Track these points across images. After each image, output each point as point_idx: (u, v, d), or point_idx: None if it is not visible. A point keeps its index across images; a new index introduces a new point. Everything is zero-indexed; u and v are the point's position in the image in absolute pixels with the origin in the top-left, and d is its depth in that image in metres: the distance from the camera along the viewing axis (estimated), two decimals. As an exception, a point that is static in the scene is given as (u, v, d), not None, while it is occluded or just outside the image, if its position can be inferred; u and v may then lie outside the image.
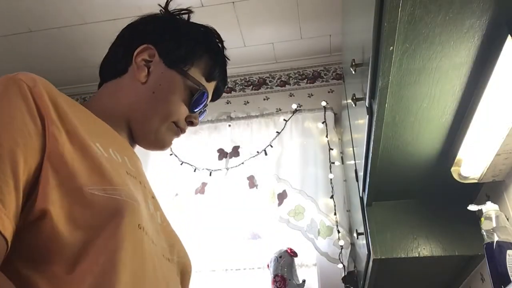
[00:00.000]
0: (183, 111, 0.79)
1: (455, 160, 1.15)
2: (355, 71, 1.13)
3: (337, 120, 2.32)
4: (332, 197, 2.04)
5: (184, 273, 0.73)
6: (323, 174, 2.12)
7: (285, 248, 1.96)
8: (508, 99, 0.90)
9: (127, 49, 0.80)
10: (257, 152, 2.24)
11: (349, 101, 1.28)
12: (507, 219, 1.11)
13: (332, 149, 2.17)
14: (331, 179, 2.09)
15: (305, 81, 2.53)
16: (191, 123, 0.82)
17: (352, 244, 1.94)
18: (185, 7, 0.85)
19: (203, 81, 0.81)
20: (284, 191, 2.11)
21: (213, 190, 2.19)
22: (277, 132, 2.28)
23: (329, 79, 2.51)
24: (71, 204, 0.52)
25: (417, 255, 1.31)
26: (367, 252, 1.36)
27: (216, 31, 0.87)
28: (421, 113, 1.04)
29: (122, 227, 0.54)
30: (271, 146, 2.24)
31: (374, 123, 0.99)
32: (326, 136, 2.22)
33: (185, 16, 0.85)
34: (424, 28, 0.80)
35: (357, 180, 1.51)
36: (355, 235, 1.64)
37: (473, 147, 1.08)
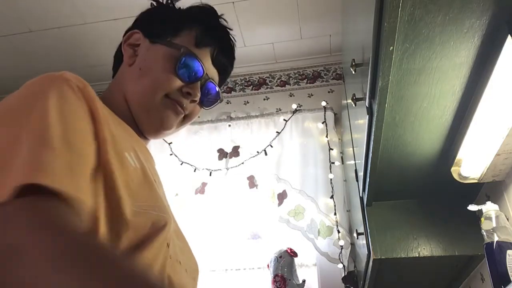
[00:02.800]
0: (172, 80, 0.74)
1: (455, 160, 1.15)
2: (355, 71, 1.13)
3: (337, 120, 2.32)
4: (332, 197, 2.04)
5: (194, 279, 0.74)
6: (323, 174, 2.11)
7: (285, 248, 1.96)
8: (508, 99, 0.90)
9: (121, 43, 0.83)
10: (257, 152, 2.24)
11: (349, 101, 1.28)
12: (507, 219, 1.11)
13: (332, 149, 2.17)
14: (331, 179, 2.09)
15: (305, 81, 2.53)
16: (188, 95, 0.76)
17: (352, 244, 1.94)
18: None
19: (191, 47, 0.77)
20: (284, 191, 2.11)
21: (213, 190, 2.19)
22: (277, 132, 2.28)
23: (329, 79, 2.51)
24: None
25: (417, 255, 1.31)
26: (367, 252, 1.36)
27: (205, 4, 0.84)
28: (421, 113, 1.04)
29: (154, 243, 0.56)
30: (271, 146, 2.24)
31: (374, 123, 0.99)
32: (326, 136, 2.22)
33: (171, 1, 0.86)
34: (424, 28, 0.80)
35: (357, 180, 1.51)
36: (355, 235, 1.64)
37: (473, 147, 1.08)
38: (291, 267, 1.91)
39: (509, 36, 0.79)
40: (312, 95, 2.47)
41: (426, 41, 0.83)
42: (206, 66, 0.78)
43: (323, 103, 2.31)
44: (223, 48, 0.83)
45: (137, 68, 0.76)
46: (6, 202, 0.41)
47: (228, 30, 0.85)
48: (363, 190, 1.38)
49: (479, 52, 0.86)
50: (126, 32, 0.85)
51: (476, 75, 0.92)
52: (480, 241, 1.11)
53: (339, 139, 2.24)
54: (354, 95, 1.20)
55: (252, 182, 2.19)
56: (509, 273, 1.00)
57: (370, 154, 1.10)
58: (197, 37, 0.78)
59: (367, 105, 1.03)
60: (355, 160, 1.55)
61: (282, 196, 2.10)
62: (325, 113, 2.29)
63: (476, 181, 1.17)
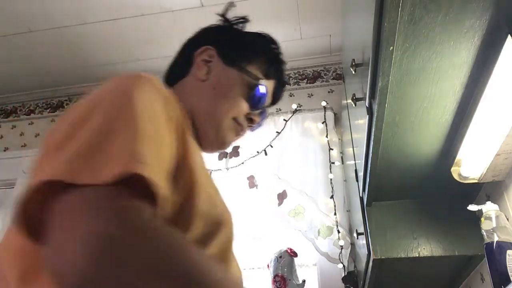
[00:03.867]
0: (243, 106, 0.80)
1: (455, 160, 1.15)
2: (355, 71, 1.13)
3: (337, 120, 2.32)
4: (332, 197, 2.04)
5: None
6: (323, 174, 2.11)
7: (285, 248, 1.96)
8: (508, 99, 0.90)
9: (188, 54, 0.85)
10: (257, 152, 2.24)
11: (349, 101, 1.28)
12: (507, 219, 1.11)
13: (332, 149, 2.17)
14: (331, 179, 2.09)
15: (305, 81, 2.53)
16: (251, 121, 0.83)
17: (352, 244, 1.94)
18: (242, 16, 0.91)
19: (260, 77, 0.83)
20: (284, 191, 2.11)
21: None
22: (277, 132, 2.28)
23: (329, 79, 2.51)
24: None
25: (417, 255, 1.31)
26: (367, 252, 1.36)
27: (272, 38, 0.90)
28: (421, 113, 1.04)
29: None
30: (271, 146, 2.24)
31: (374, 123, 0.99)
32: (326, 136, 2.21)
33: (241, 25, 0.90)
34: (424, 28, 0.80)
35: (357, 180, 1.51)
36: (355, 235, 1.64)
37: (473, 147, 1.08)
38: (291, 267, 1.91)
39: (509, 36, 0.79)
40: (312, 95, 2.47)
41: (426, 41, 0.83)
42: (268, 97, 0.86)
43: (323, 103, 2.31)
44: (282, 83, 0.91)
45: (210, 87, 0.79)
46: (101, 186, 0.43)
47: (284, 62, 0.92)
48: (363, 190, 1.38)
49: (479, 52, 0.86)
50: (192, 42, 0.88)
51: (476, 75, 0.91)
52: (480, 241, 1.11)
53: (339, 139, 2.24)
54: (354, 95, 1.20)
55: (252, 182, 2.19)
56: (509, 273, 1.00)
57: (370, 154, 1.10)
58: (267, 69, 0.85)
59: (367, 105, 1.03)
60: (355, 160, 1.55)
61: (282, 196, 2.10)
62: (325, 113, 2.29)
63: (476, 181, 1.17)
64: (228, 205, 0.70)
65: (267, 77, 0.84)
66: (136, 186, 0.44)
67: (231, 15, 0.90)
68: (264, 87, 0.82)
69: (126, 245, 0.39)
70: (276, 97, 0.90)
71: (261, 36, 0.89)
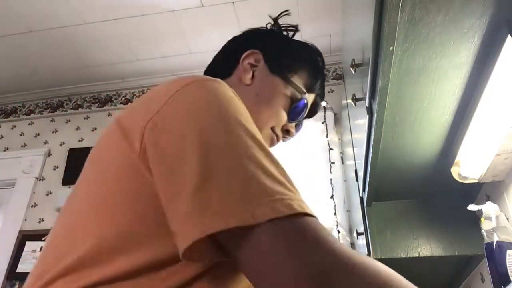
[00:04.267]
0: (283, 117, 0.78)
1: (455, 160, 1.15)
2: (355, 71, 1.13)
3: (337, 120, 2.32)
4: (332, 197, 2.04)
5: None
6: (323, 174, 2.11)
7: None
8: (508, 99, 0.90)
9: (233, 54, 0.82)
10: (257, 152, 2.24)
11: (349, 101, 1.29)
12: (507, 219, 1.11)
13: (332, 149, 2.17)
14: (331, 179, 2.09)
15: (305, 81, 2.53)
16: (288, 132, 0.82)
17: (352, 244, 1.94)
18: (292, 24, 0.90)
19: (304, 91, 0.82)
20: (284, 191, 2.11)
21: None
22: (277, 132, 2.28)
23: (329, 79, 2.51)
24: None
25: (417, 255, 1.31)
26: (367, 252, 1.36)
27: (318, 49, 0.89)
28: (421, 113, 1.04)
29: None
30: (271, 146, 2.24)
31: (374, 123, 0.99)
32: (326, 136, 2.22)
33: (291, 33, 0.89)
34: (424, 28, 0.80)
35: (357, 180, 1.51)
36: (355, 235, 1.64)
37: (473, 147, 1.08)
38: (291, 267, 1.91)
39: (509, 36, 0.79)
40: (312, 95, 2.47)
41: (426, 41, 0.83)
42: (308, 108, 0.85)
43: (323, 103, 2.31)
44: (322, 96, 0.89)
45: (253, 92, 0.77)
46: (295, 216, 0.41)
47: (326, 78, 0.91)
48: (363, 190, 1.38)
49: (479, 52, 0.86)
50: (238, 43, 0.85)
51: (476, 75, 0.92)
52: (480, 241, 1.11)
53: (339, 139, 2.24)
54: (354, 95, 1.20)
55: (252, 182, 2.19)
56: (509, 273, 1.00)
57: (370, 154, 1.10)
58: (311, 83, 0.83)
59: (367, 105, 1.03)
60: (355, 160, 1.55)
61: (282, 196, 2.10)
62: (325, 113, 2.29)
63: (476, 181, 1.17)
64: None
65: (309, 90, 0.83)
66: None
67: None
68: (306, 101, 0.81)
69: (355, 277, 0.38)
70: (314, 111, 0.89)
71: (308, 46, 0.88)
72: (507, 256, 1.01)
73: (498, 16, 0.78)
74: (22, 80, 2.81)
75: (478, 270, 1.36)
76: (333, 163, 2.14)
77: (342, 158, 2.17)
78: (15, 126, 2.88)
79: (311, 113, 0.89)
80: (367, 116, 1.02)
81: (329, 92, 2.46)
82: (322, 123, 2.27)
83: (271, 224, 0.40)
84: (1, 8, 2.23)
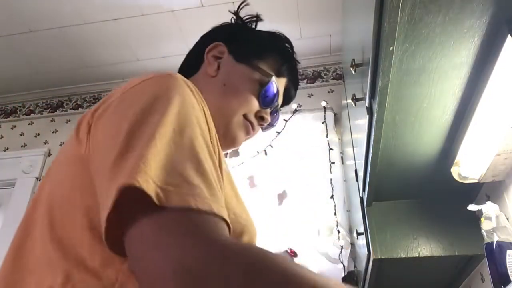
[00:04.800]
0: (253, 103, 0.78)
1: (455, 160, 1.15)
2: (355, 71, 1.13)
3: (337, 120, 2.32)
4: (332, 197, 2.04)
5: None
6: (323, 174, 2.11)
7: (285, 248, 1.96)
8: (508, 99, 0.90)
9: (199, 50, 0.83)
10: (257, 152, 2.24)
11: (349, 101, 1.28)
12: (507, 219, 1.11)
13: (332, 149, 2.17)
14: (331, 179, 2.09)
15: (305, 81, 2.53)
16: (262, 119, 0.81)
17: (352, 244, 1.94)
18: (254, 14, 0.90)
19: (272, 74, 0.81)
20: (284, 191, 2.12)
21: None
22: (277, 132, 2.28)
23: (329, 79, 2.51)
24: None
25: (417, 255, 1.31)
26: (367, 252, 1.36)
27: (286, 37, 0.89)
28: (421, 113, 1.04)
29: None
30: (271, 146, 2.24)
31: (374, 123, 0.99)
32: (326, 136, 2.21)
33: (254, 23, 0.90)
34: (424, 28, 0.80)
35: (357, 180, 1.51)
36: (355, 235, 1.64)
37: (473, 147, 1.08)
38: (291, 267, 1.91)
39: (509, 36, 0.79)
40: (312, 95, 2.47)
41: (426, 41, 0.83)
42: (280, 96, 0.84)
43: (323, 103, 2.31)
44: (294, 82, 0.89)
45: (220, 83, 0.78)
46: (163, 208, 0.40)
47: (297, 61, 0.90)
48: (363, 190, 1.38)
49: (479, 52, 0.86)
50: (204, 39, 0.86)
51: (476, 75, 0.92)
52: (480, 241, 1.11)
53: (339, 139, 2.24)
54: (354, 95, 1.20)
55: (252, 182, 2.19)
56: (509, 273, 1.00)
57: (370, 154, 1.10)
58: (279, 67, 0.83)
59: (367, 105, 1.03)
60: (355, 160, 1.55)
61: (282, 196, 2.10)
62: (325, 113, 2.29)
63: (476, 181, 1.17)
64: (250, 213, 0.68)
65: (279, 75, 0.83)
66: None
67: (244, 13, 0.89)
68: (275, 84, 0.80)
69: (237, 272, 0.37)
70: (288, 97, 0.88)
71: (273, 34, 0.88)
72: (507, 256, 1.01)
73: (498, 16, 0.78)
74: (22, 80, 2.81)
75: (478, 270, 1.36)
76: (333, 163, 2.14)
77: (342, 158, 2.17)
78: (15, 126, 2.88)
79: (286, 100, 0.89)
80: (367, 116, 1.02)
81: (329, 92, 2.46)
82: (322, 123, 2.27)
83: (168, 210, 0.39)
84: (1, 8, 2.23)
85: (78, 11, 2.25)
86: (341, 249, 1.91)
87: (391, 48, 0.79)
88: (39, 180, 2.59)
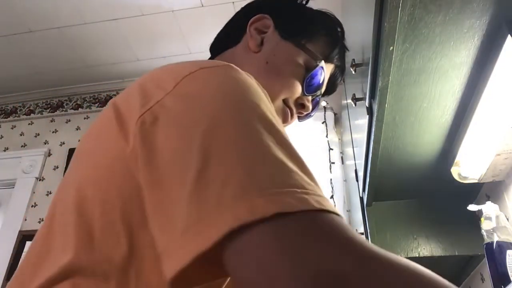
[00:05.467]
0: (297, 87, 0.69)
1: (455, 160, 1.15)
2: (355, 71, 1.13)
3: (337, 120, 2.32)
4: (332, 197, 2.04)
5: None
6: (323, 174, 2.12)
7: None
8: (508, 99, 0.90)
9: (241, 21, 0.74)
10: (257, 152, 2.24)
11: (349, 101, 1.28)
12: (507, 219, 1.11)
13: (332, 149, 2.17)
14: (331, 179, 2.09)
15: (305, 81, 2.53)
16: (302, 107, 0.72)
17: (352, 244, 1.94)
18: None
19: (321, 58, 0.72)
20: (284, 191, 2.11)
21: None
22: (277, 132, 2.28)
23: (329, 79, 2.51)
24: None
25: (417, 255, 1.31)
26: (367, 252, 1.35)
27: (337, 19, 0.79)
28: (421, 113, 1.04)
29: None
30: (271, 146, 2.24)
31: (374, 123, 0.99)
32: (326, 136, 2.22)
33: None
34: (424, 28, 0.80)
35: (357, 180, 1.51)
36: (355, 235, 1.63)
37: (473, 147, 1.08)
38: (291, 267, 1.91)
39: (509, 36, 0.79)
40: (312, 95, 2.47)
41: (426, 41, 0.83)
42: (325, 83, 0.75)
43: (323, 103, 2.31)
44: (342, 69, 0.80)
45: (263, 60, 0.69)
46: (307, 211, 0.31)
47: (346, 48, 0.82)
48: (363, 190, 1.38)
49: (479, 52, 0.86)
50: (247, 10, 0.77)
51: (476, 75, 0.92)
52: (480, 241, 1.11)
53: (339, 139, 2.24)
54: (354, 95, 1.20)
55: (252, 182, 2.19)
56: (509, 273, 1.00)
57: (370, 154, 1.10)
58: (329, 51, 0.74)
59: (367, 105, 1.03)
60: (355, 160, 1.55)
61: (282, 196, 2.10)
62: (325, 113, 2.29)
63: (476, 181, 1.17)
64: None
65: (327, 60, 0.73)
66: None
67: None
68: (323, 70, 0.71)
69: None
70: (333, 86, 0.79)
71: (326, 14, 0.78)
72: (507, 256, 1.01)
73: (498, 16, 0.78)
74: (22, 80, 2.81)
75: (478, 270, 1.36)
76: (333, 163, 2.14)
77: (342, 158, 2.17)
78: (15, 126, 2.88)
79: (330, 89, 0.79)
80: (367, 116, 1.02)
81: (329, 92, 2.46)
82: (322, 123, 2.27)
83: (274, 222, 0.30)
84: (1, 8, 2.23)
85: (78, 11, 2.25)
86: (341, 249, 1.91)
87: (391, 48, 0.79)
88: (39, 180, 2.59)
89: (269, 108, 0.42)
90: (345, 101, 1.84)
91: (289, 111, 0.70)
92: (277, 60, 0.69)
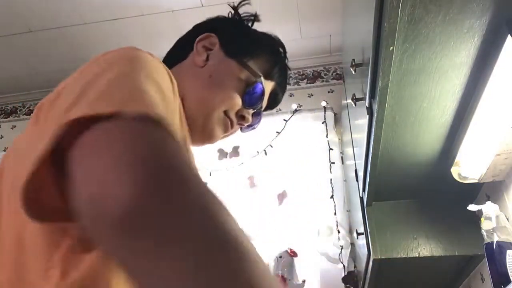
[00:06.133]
0: (236, 100, 0.75)
1: (455, 160, 1.15)
2: (355, 71, 1.13)
3: (337, 120, 2.32)
4: (332, 197, 2.04)
5: None
6: (323, 174, 2.12)
7: (285, 248, 1.96)
8: (508, 99, 0.90)
9: (190, 38, 0.81)
10: (257, 152, 2.24)
11: (349, 101, 1.28)
12: (507, 219, 1.11)
13: (332, 149, 2.17)
14: (331, 179, 2.09)
15: (305, 81, 2.53)
16: (242, 118, 0.79)
17: (352, 244, 1.94)
18: (252, 13, 0.87)
19: (260, 75, 0.79)
20: (284, 191, 2.12)
21: (213, 190, 2.19)
22: (277, 132, 2.28)
23: (329, 79, 2.51)
24: None
25: (417, 255, 1.31)
26: (367, 252, 1.36)
27: (280, 40, 0.87)
28: (421, 113, 1.04)
29: None
30: (271, 146, 2.24)
31: (374, 123, 0.99)
32: (326, 136, 2.22)
33: (251, 22, 0.87)
34: (424, 28, 0.80)
35: (357, 180, 1.51)
36: (355, 235, 1.64)
37: (473, 147, 1.08)
38: (291, 267, 1.91)
39: (509, 36, 0.79)
40: (312, 95, 2.47)
41: (426, 41, 0.83)
42: (265, 99, 0.82)
43: (323, 103, 2.31)
44: (282, 87, 0.87)
45: (206, 74, 0.75)
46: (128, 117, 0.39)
47: (288, 67, 0.88)
48: (363, 190, 1.38)
49: (479, 52, 0.86)
50: (197, 29, 0.84)
51: (476, 75, 0.92)
52: (480, 241, 1.11)
53: (339, 139, 2.24)
54: (354, 95, 1.20)
55: (252, 182, 2.19)
56: (509, 273, 1.00)
57: (370, 154, 1.10)
58: (269, 69, 0.81)
59: (367, 105, 1.03)
60: (355, 160, 1.55)
61: (282, 196, 2.10)
62: (325, 113, 2.29)
63: (476, 181, 1.17)
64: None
65: (267, 77, 0.81)
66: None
67: (243, 11, 0.87)
68: (262, 86, 0.78)
69: (176, 179, 0.35)
70: (274, 101, 0.86)
71: (268, 35, 0.86)
72: (507, 256, 1.01)
73: (498, 16, 0.78)
74: (22, 80, 2.81)
75: (478, 270, 1.36)
76: (333, 163, 2.14)
77: (342, 158, 2.17)
78: (15, 126, 2.88)
79: (271, 104, 0.86)
80: (367, 116, 1.02)
81: (329, 92, 2.46)
82: (322, 123, 2.27)
83: (112, 121, 0.37)
84: (1, 8, 2.23)
85: (78, 11, 2.24)
86: (341, 249, 1.91)
87: (391, 48, 0.79)
88: (39, 180, 2.59)
89: (158, 79, 0.49)
90: (345, 101, 1.84)
91: (229, 121, 0.77)
92: (220, 75, 0.75)
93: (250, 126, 0.85)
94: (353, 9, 1.28)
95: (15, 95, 2.96)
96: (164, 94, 0.47)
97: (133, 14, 2.25)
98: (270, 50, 0.83)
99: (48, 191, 0.40)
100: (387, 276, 1.49)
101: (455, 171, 1.18)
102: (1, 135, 2.86)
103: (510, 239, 1.04)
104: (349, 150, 1.81)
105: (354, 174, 1.59)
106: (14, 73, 2.74)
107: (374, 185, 1.27)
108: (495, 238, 1.04)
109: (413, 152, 1.19)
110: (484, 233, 1.08)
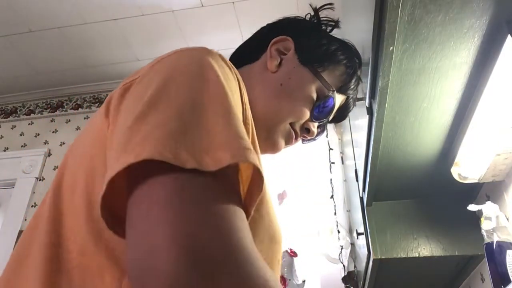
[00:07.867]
0: (305, 113, 0.71)
1: (455, 160, 1.15)
2: (355, 71, 1.13)
3: (337, 120, 2.32)
4: (332, 197, 2.04)
5: None
6: (323, 174, 2.12)
7: (285, 248, 1.96)
8: (508, 99, 0.90)
9: (264, 38, 0.76)
10: (257, 152, 2.24)
11: (349, 101, 1.28)
12: (507, 219, 1.11)
13: (332, 149, 2.17)
14: (331, 179, 2.09)
15: (305, 81, 2.53)
16: (307, 131, 0.74)
17: (352, 244, 1.94)
18: (333, 19, 0.82)
19: (334, 89, 0.74)
20: (284, 191, 2.11)
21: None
22: (277, 132, 2.28)
23: (329, 79, 2.51)
24: None
25: (417, 255, 1.31)
26: (367, 252, 1.36)
27: (357, 50, 0.80)
28: (421, 113, 1.04)
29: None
30: (271, 146, 2.25)
31: (374, 123, 0.99)
32: (326, 136, 2.21)
33: (330, 27, 0.82)
34: (424, 28, 0.80)
35: (357, 180, 1.51)
36: (355, 235, 1.64)
37: (473, 147, 1.08)
38: (291, 267, 1.91)
39: (509, 36, 0.79)
40: (312, 95, 2.47)
41: (426, 41, 0.83)
42: (334, 109, 0.77)
43: (323, 103, 2.31)
44: (354, 101, 0.81)
45: (278, 82, 0.71)
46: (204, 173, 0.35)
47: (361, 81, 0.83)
48: (363, 190, 1.38)
49: (479, 52, 0.86)
50: (271, 28, 0.79)
51: (476, 75, 0.92)
52: (480, 241, 1.11)
53: (339, 139, 2.24)
54: (354, 95, 1.20)
55: (252, 182, 2.19)
56: (509, 273, 1.00)
57: (370, 154, 1.10)
58: (343, 83, 0.75)
59: (367, 105, 1.03)
60: (355, 160, 1.55)
61: (282, 196, 2.10)
62: (325, 113, 2.29)
63: (476, 181, 1.17)
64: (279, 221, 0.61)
65: (341, 90, 0.75)
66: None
67: (323, 14, 0.81)
68: (334, 100, 0.73)
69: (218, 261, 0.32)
70: (341, 115, 0.80)
71: (346, 44, 0.80)
72: (507, 256, 1.01)
73: (498, 16, 0.78)
74: (22, 80, 2.81)
75: (478, 270, 1.36)
76: (333, 163, 2.14)
77: (342, 158, 2.17)
78: (15, 126, 2.88)
79: (339, 117, 0.81)
80: (367, 116, 1.02)
81: (329, 92, 2.46)
82: (322, 123, 2.27)
83: (182, 172, 0.34)
84: (1, 8, 2.23)
85: (78, 11, 2.24)
86: (341, 249, 1.91)
87: (391, 48, 0.79)
88: (39, 180, 2.59)
89: (230, 88, 0.45)
90: (345, 101, 1.84)
91: (293, 133, 0.72)
92: (291, 84, 0.70)
93: (313, 139, 0.79)
94: (353, 9, 1.28)
95: (15, 95, 2.96)
96: (240, 121, 0.43)
97: (133, 14, 2.25)
98: (347, 62, 0.76)
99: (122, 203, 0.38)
100: (387, 276, 1.49)
101: (455, 171, 1.18)
102: (1, 135, 2.86)
103: (510, 239, 1.04)
104: (349, 150, 1.81)
105: (354, 174, 1.59)
106: (14, 73, 2.75)
107: (374, 185, 1.27)
108: (495, 238, 1.04)
109: (413, 152, 1.19)
110: (484, 233, 1.08)
